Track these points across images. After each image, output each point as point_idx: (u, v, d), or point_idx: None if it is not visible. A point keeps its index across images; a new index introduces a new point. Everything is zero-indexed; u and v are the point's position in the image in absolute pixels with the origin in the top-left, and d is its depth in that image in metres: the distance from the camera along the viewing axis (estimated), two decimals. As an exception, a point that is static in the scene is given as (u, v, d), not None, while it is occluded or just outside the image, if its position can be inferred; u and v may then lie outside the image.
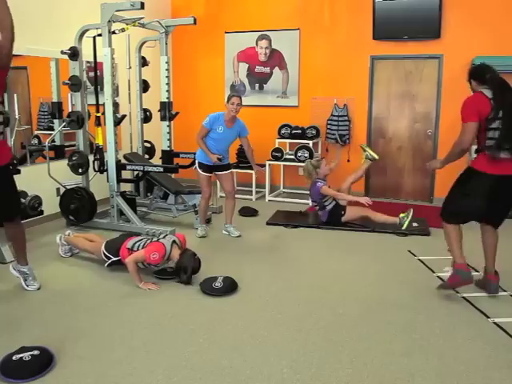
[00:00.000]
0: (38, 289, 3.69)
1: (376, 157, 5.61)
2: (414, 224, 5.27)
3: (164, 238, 3.94)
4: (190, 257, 3.82)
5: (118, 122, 5.42)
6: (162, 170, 5.24)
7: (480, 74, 3.45)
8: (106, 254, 3.98)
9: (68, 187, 5.31)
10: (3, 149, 3.39)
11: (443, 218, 3.61)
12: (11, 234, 3.66)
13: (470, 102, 3.38)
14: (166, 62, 5.83)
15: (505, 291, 3.67)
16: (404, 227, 5.11)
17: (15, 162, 4.57)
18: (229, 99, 4.82)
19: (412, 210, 5.20)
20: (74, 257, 4.41)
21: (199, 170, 5.00)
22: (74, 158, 5.29)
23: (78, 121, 5.20)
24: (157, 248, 3.79)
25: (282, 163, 6.99)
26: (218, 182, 5.47)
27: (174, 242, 3.90)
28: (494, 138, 3.28)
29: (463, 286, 3.57)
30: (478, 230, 3.70)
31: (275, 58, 7.23)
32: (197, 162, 5.02)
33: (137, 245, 3.88)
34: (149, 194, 6.18)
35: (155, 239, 3.92)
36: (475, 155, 3.49)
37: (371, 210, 5.36)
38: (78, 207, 5.22)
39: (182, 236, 4.08)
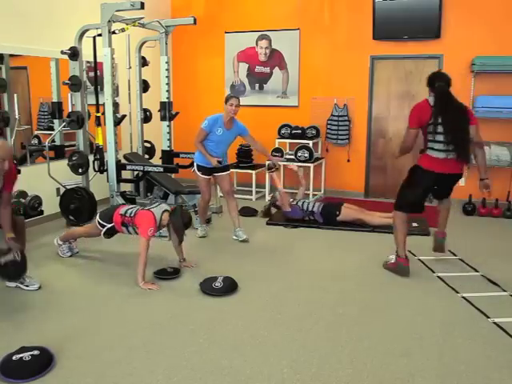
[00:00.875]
0: (39, 287, 3.69)
1: None
2: (414, 224, 5.28)
3: (156, 207, 4.01)
4: (178, 212, 3.92)
5: (118, 121, 5.42)
6: (161, 170, 5.24)
7: (431, 82, 3.85)
8: (101, 222, 4.07)
9: (68, 187, 5.31)
10: None
11: (395, 208, 4.07)
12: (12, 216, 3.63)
13: (414, 110, 3.87)
14: (166, 62, 5.83)
15: (505, 291, 3.68)
16: None
17: (15, 161, 4.57)
18: (227, 100, 4.76)
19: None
20: (74, 257, 4.41)
21: (198, 172, 4.95)
22: (74, 158, 5.29)
23: (78, 121, 5.20)
24: (148, 221, 3.83)
25: (281, 163, 6.97)
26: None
27: (165, 210, 3.97)
28: (433, 140, 3.77)
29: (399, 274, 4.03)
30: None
31: (275, 58, 7.23)
32: (195, 164, 4.97)
33: (129, 211, 3.97)
34: (149, 194, 6.18)
35: (146, 208, 4.00)
36: (419, 154, 4.00)
37: (365, 213, 5.41)
38: (78, 207, 5.22)
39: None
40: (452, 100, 3.80)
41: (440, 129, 3.72)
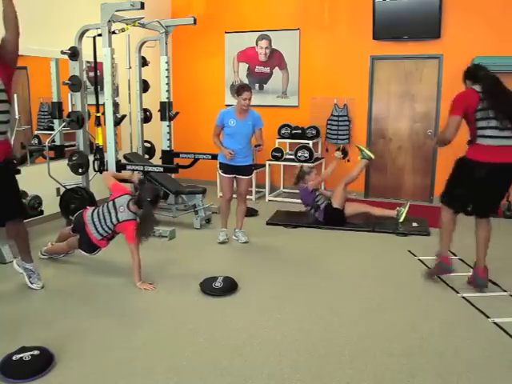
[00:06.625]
0: (42, 287, 3.69)
1: (372, 156, 5.60)
2: (414, 224, 5.29)
3: (123, 212, 3.84)
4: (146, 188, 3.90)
5: (117, 121, 5.42)
6: (161, 169, 5.24)
7: (473, 73, 3.67)
8: (89, 254, 4.02)
9: (68, 187, 5.31)
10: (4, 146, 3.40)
11: (442, 202, 3.85)
12: (14, 234, 3.64)
13: (459, 97, 3.61)
14: (166, 62, 5.83)
15: (505, 291, 3.68)
16: (401, 220, 5.23)
17: (15, 161, 4.57)
18: (240, 92, 4.52)
19: (409, 203, 5.40)
20: (73, 257, 4.40)
21: (220, 171, 4.85)
22: (74, 158, 5.29)
23: (78, 121, 5.20)
24: (130, 225, 3.78)
25: (281, 163, 6.99)
26: (218, 183, 5.45)
27: (129, 201, 3.87)
28: (485, 127, 3.47)
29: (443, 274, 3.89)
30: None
31: (275, 58, 7.23)
32: (218, 162, 4.85)
33: (102, 230, 3.86)
34: (149, 194, 6.17)
35: (114, 219, 3.85)
36: (467, 146, 3.65)
37: (369, 205, 5.49)
38: (78, 207, 5.20)
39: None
40: (503, 85, 3.61)
41: (492, 114, 3.45)
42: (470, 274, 3.86)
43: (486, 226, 3.78)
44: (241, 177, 4.84)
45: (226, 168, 4.78)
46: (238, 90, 4.58)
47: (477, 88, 3.55)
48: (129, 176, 4.39)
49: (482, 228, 3.78)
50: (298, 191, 5.92)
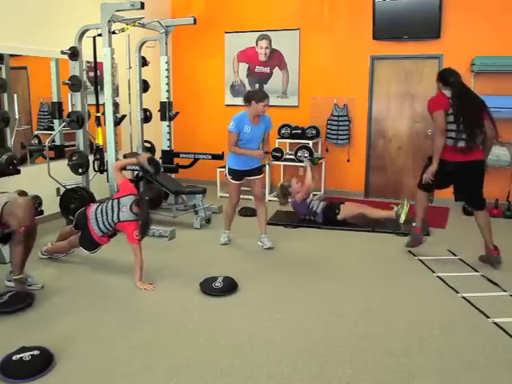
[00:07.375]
0: (42, 287, 3.69)
1: (402, 221, 5.18)
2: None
3: (125, 212, 3.86)
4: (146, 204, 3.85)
5: (117, 121, 5.42)
6: (161, 169, 5.24)
7: (445, 77, 4.10)
8: (91, 252, 4.07)
9: (68, 187, 5.31)
10: None
11: (419, 188, 4.34)
12: (23, 246, 3.60)
13: (433, 100, 4.11)
14: (166, 62, 5.83)
15: (505, 291, 3.68)
16: (402, 220, 5.15)
17: (15, 161, 4.57)
18: (258, 99, 4.36)
19: (406, 201, 5.25)
20: (73, 257, 4.41)
21: (229, 177, 4.71)
22: (74, 158, 5.29)
23: (78, 121, 5.20)
24: (131, 228, 3.81)
25: (282, 163, 6.98)
26: (218, 183, 5.44)
27: (133, 202, 3.87)
28: (452, 130, 3.94)
29: (417, 245, 4.47)
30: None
31: (275, 58, 7.23)
32: (227, 168, 4.72)
33: (104, 227, 3.90)
34: (149, 194, 6.17)
35: (115, 218, 3.87)
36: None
37: (366, 207, 5.44)
38: (78, 207, 5.20)
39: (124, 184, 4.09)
40: (469, 91, 4.13)
41: (459, 118, 3.90)
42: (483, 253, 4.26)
43: (484, 214, 4.15)
44: (253, 178, 4.72)
45: (237, 174, 4.67)
46: (258, 96, 4.42)
47: (447, 93, 4.00)
48: (137, 160, 4.38)
49: (480, 216, 4.16)
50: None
